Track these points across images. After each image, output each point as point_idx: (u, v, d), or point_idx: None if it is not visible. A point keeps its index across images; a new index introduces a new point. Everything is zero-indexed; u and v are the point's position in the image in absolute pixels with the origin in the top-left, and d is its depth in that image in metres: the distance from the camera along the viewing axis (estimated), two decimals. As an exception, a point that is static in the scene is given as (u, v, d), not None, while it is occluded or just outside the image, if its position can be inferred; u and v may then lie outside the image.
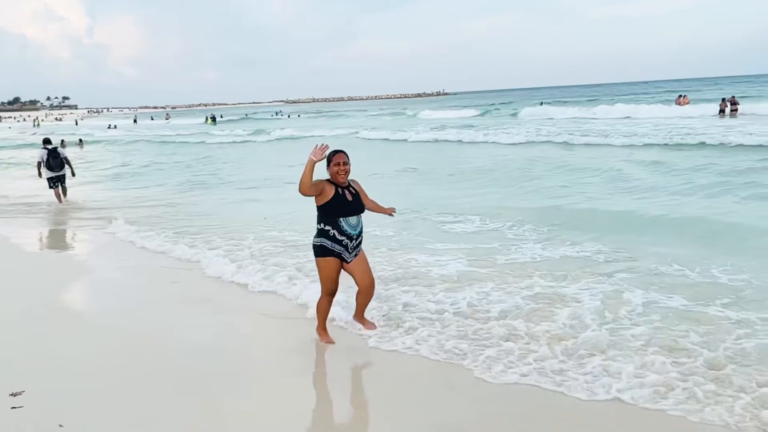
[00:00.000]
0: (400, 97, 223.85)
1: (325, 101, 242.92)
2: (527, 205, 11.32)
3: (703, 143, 19.26)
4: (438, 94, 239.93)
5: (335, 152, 4.88)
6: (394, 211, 5.33)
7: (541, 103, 56.11)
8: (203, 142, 36.31)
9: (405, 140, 29.28)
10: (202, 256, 8.26)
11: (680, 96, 40.73)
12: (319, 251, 4.90)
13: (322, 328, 5.24)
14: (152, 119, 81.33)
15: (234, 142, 35.83)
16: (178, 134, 44.68)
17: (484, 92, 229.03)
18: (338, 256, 4.90)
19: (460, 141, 26.87)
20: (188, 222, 10.98)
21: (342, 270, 5.03)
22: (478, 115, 50.97)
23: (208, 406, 4.19)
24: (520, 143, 23.96)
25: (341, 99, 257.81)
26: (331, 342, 5.18)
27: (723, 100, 34.50)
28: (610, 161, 16.94)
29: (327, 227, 4.85)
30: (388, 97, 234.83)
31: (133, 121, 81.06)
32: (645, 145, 20.29)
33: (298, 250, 8.13)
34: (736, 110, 32.69)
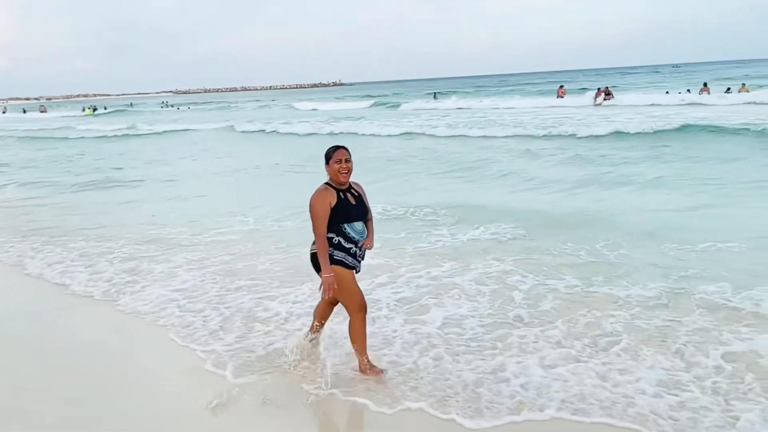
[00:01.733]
0: (296, 88, 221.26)
1: (218, 91, 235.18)
2: (420, 198, 11.50)
3: (573, 135, 19.96)
4: (335, 84, 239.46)
5: (336, 148, 4.29)
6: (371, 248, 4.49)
7: (435, 95, 57.34)
8: (82, 137, 33.78)
9: (285, 133, 28.49)
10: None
11: (560, 86, 43.08)
12: (333, 261, 4.22)
13: (366, 360, 4.44)
14: (24, 112, 74.91)
15: (106, 136, 32.99)
16: (41, 128, 40.99)
17: (382, 83, 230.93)
18: (343, 264, 4.23)
19: (341, 133, 26.43)
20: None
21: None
22: (369, 107, 51.08)
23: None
24: (397, 135, 24.09)
25: (234, 89, 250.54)
26: (381, 373, 4.46)
27: (598, 89, 36.97)
28: (489, 152, 17.64)
29: (330, 234, 4.22)
30: (283, 87, 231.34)
31: (1, 112, 74.25)
32: (524, 136, 20.88)
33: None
34: (609, 99, 35.05)
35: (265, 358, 4.87)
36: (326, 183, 4.27)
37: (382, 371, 4.46)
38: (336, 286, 4.14)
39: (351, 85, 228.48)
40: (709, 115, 22.33)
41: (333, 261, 4.18)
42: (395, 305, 5.86)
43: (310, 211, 4.16)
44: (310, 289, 6.23)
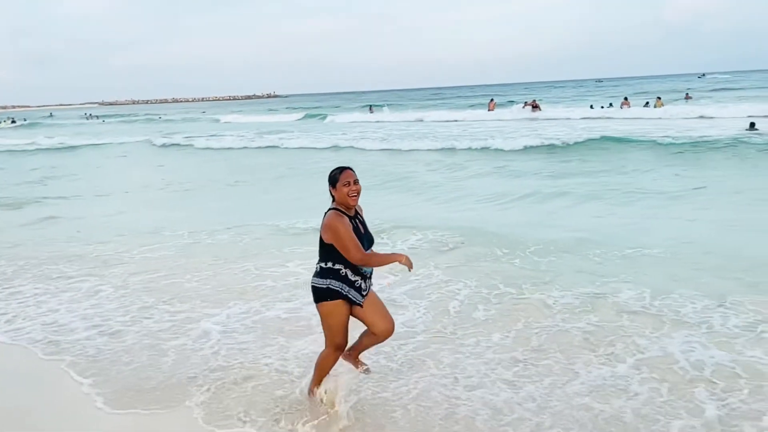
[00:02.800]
0: (229, 99, 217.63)
1: (147, 103, 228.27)
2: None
3: (501, 149, 20.32)
4: (269, 96, 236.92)
5: (341, 169, 3.90)
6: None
7: (370, 108, 57.69)
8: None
9: (201, 147, 27.86)
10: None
11: (491, 100, 44.33)
12: (326, 294, 3.91)
13: (315, 385, 4.26)
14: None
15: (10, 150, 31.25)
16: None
17: (319, 95, 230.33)
18: (347, 299, 3.96)
19: (261, 147, 26.32)
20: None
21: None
22: (301, 119, 50.73)
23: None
24: (325, 148, 24.20)
25: (165, 101, 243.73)
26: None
27: (525, 103, 38.33)
28: (418, 165, 18.01)
29: (338, 266, 3.87)
30: (216, 99, 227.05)
31: None
32: (454, 149, 21.17)
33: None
34: (537, 111, 36.31)
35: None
36: (334, 208, 3.88)
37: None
38: (408, 264, 3.89)
39: (286, 97, 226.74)
40: (630, 128, 23.48)
41: (328, 292, 3.88)
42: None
43: (336, 238, 3.76)
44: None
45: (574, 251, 7.78)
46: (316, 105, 78.48)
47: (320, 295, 3.92)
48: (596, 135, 20.51)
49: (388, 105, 62.69)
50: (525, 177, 14.81)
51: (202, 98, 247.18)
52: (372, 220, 9.75)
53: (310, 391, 4.26)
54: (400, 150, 21.96)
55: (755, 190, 11.85)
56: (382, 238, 8.71)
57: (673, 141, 18.55)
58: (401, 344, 5.19)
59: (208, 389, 4.55)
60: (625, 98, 38.53)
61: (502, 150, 19.83)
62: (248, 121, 50.96)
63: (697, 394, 4.20)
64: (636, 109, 34.46)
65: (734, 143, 17.44)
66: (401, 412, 4.15)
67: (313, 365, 4.26)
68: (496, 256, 7.65)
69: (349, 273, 3.89)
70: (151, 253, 8.52)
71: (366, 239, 3.92)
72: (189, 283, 7.11)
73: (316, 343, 5.01)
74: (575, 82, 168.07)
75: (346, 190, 3.83)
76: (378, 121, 39.74)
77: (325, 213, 3.90)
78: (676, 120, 27.65)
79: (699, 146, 17.43)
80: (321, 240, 3.90)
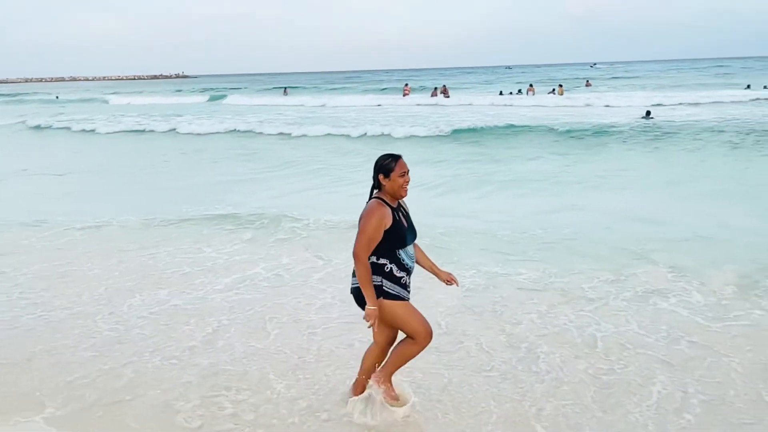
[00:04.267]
0: (134, 79, 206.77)
1: (41, 81, 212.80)
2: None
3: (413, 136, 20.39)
4: (177, 76, 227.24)
5: (395, 157, 3.59)
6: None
7: (285, 90, 56.66)
8: None
9: (77, 130, 26.25)
10: None
11: (406, 85, 44.65)
12: (379, 293, 3.56)
13: (387, 380, 3.86)
14: None
15: None
16: None
17: (231, 76, 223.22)
18: (398, 298, 3.61)
19: (147, 130, 25.01)
20: None
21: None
22: (206, 101, 48.84)
23: None
24: (221, 132, 23.33)
25: (62, 79, 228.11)
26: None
27: (435, 89, 39.03)
28: (319, 150, 17.84)
29: (382, 261, 3.57)
30: (119, 79, 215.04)
31: None
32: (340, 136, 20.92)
33: None
34: (446, 97, 37.03)
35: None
36: (378, 198, 3.59)
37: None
38: (378, 322, 3.53)
39: (196, 77, 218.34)
40: (535, 114, 24.50)
41: (384, 294, 3.55)
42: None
43: (363, 229, 3.46)
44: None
45: (479, 235, 8.07)
46: (225, 86, 76.00)
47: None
48: (504, 121, 21.21)
49: (304, 87, 62.00)
50: (428, 165, 14.84)
51: (104, 77, 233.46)
52: (262, 208, 9.90)
53: (379, 381, 3.82)
54: (306, 135, 21.43)
55: (649, 176, 12.72)
56: (281, 227, 8.68)
57: (572, 128, 19.51)
58: (313, 333, 5.23)
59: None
60: (530, 85, 40.09)
61: (401, 137, 19.69)
62: (148, 102, 48.63)
63: (589, 368, 4.48)
64: (541, 96, 35.99)
65: (631, 130, 18.56)
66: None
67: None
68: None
69: (393, 269, 3.58)
70: (43, 243, 8.06)
71: (409, 233, 3.64)
72: (92, 271, 6.85)
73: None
74: (486, 68, 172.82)
75: (401, 180, 3.55)
76: (289, 105, 39.13)
77: (367, 202, 3.63)
78: (579, 108, 29.02)
79: (598, 133, 18.32)
80: None
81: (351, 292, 3.69)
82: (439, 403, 4.07)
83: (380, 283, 3.56)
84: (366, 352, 3.91)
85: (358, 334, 5.02)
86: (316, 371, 4.49)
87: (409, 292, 3.67)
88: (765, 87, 37.78)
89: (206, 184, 12.84)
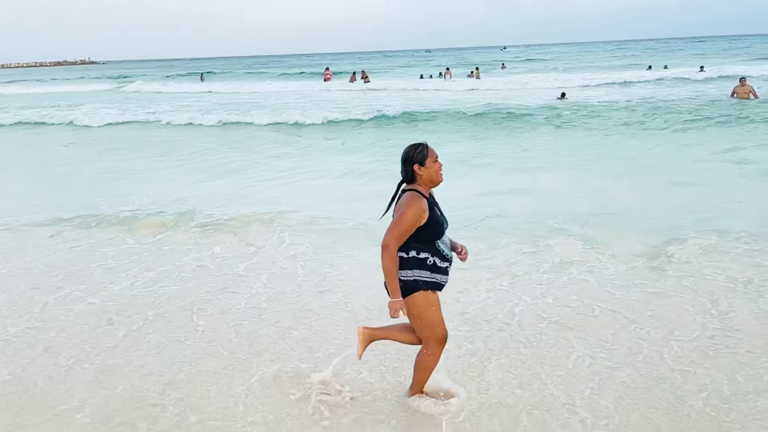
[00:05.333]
0: (35, 66, 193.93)
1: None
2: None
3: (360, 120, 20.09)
4: (83, 62, 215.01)
5: (424, 145, 3.56)
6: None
7: (202, 76, 54.87)
8: None
9: None
10: None
11: (326, 69, 44.24)
12: (413, 286, 3.49)
13: (419, 390, 3.87)
14: None
15: None
16: None
17: (142, 62, 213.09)
18: (437, 286, 3.57)
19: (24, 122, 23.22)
20: None
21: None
22: (110, 89, 46.30)
23: None
24: (119, 123, 22.01)
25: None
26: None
27: (354, 73, 38.97)
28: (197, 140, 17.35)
29: (424, 254, 3.50)
30: (19, 66, 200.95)
31: None
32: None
33: None
34: (367, 81, 37.04)
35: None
36: (414, 190, 3.52)
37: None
38: (406, 313, 3.51)
39: (103, 63, 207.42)
40: (457, 98, 24.95)
41: (427, 284, 3.50)
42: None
43: (400, 222, 3.39)
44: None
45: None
46: (135, 72, 72.55)
47: (406, 289, 3.49)
48: (423, 106, 21.46)
49: (222, 73, 60.24)
50: (350, 152, 14.73)
51: (2, 65, 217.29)
52: (180, 200, 9.63)
53: (413, 394, 3.87)
54: (223, 123, 20.70)
55: (563, 156, 13.26)
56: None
57: (490, 110, 20.04)
58: (242, 324, 5.18)
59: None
60: (447, 68, 40.77)
61: (319, 123, 19.36)
62: (49, 91, 45.43)
63: (510, 342, 4.67)
64: (460, 79, 36.71)
65: (547, 112, 19.25)
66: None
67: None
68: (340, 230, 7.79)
69: (437, 261, 3.52)
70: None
71: (445, 223, 3.62)
72: (4, 269, 6.48)
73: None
74: (406, 52, 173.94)
75: (437, 166, 3.55)
76: (206, 92, 37.91)
77: (401, 194, 3.58)
78: (496, 91, 29.77)
79: (514, 116, 18.85)
80: None
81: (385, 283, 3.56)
82: (376, 383, 4.14)
83: (431, 279, 3.50)
84: (399, 331, 3.84)
85: (293, 323, 5.03)
86: (249, 366, 4.41)
87: (446, 279, 3.61)
88: (665, 67, 40.14)
89: (112, 178, 12.11)
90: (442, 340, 3.65)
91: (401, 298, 3.45)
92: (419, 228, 3.45)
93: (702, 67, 34.19)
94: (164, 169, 13.06)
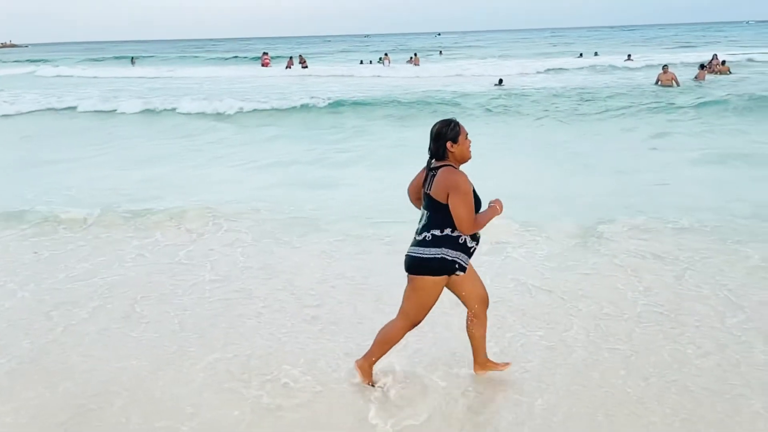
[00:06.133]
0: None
1: None
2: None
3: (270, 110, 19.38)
4: (3, 45, 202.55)
5: (456, 121, 3.55)
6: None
7: (132, 60, 52.72)
8: None
9: None
10: None
11: (264, 54, 43.28)
12: (435, 265, 3.49)
13: (374, 360, 3.85)
14: None
15: None
16: None
17: (68, 44, 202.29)
18: (456, 269, 3.54)
19: None
20: None
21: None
22: (26, 73, 43.14)
23: None
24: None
25: None
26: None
27: (290, 58, 38.42)
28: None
29: (457, 232, 3.47)
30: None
31: None
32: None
33: None
34: (305, 67, 36.54)
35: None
36: (450, 165, 3.53)
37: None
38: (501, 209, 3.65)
39: (26, 46, 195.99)
40: (398, 84, 24.90)
41: (439, 264, 3.49)
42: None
43: (463, 200, 3.40)
44: None
45: (350, 205, 8.17)
46: (58, 56, 68.73)
47: (427, 267, 3.50)
48: (362, 93, 21.35)
49: (154, 57, 58.11)
50: (297, 140, 14.36)
51: None
52: (117, 189, 9.25)
53: (362, 367, 3.84)
54: (159, 110, 19.49)
55: (500, 142, 13.49)
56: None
57: (431, 97, 20.16)
58: (188, 310, 5.08)
59: None
60: (386, 54, 40.73)
61: (251, 111, 18.57)
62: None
63: (451, 325, 4.69)
64: (400, 65, 36.80)
65: (486, 98, 19.54)
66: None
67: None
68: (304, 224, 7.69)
69: (468, 239, 3.53)
70: None
71: (480, 200, 3.61)
72: None
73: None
74: (345, 36, 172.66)
75: (468, 143, 3.55)
76: (137, 77, 36.36)
77: (433, 170, 3.55)
78: (436, 78, 29.88)
79: (453, 103, 18.95)
80: (435, 202, 3.49)
81: (410, 260, 3.57)
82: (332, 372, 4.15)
83: (440, 255, 3.48)
84: (468, 329, 3.86)
85: (238, 310, 5.00)
86: (196, 358, 4.30)
87: (470, 259, 3.63)
88: (596, 54, 41.43)
89: (33, 168, 11.44)
90: (416, 324, 3.73)
91: (495, 202, 3.62)
92: None
93: (629, 56, 35.47)
94: (90, 158, 12.49)
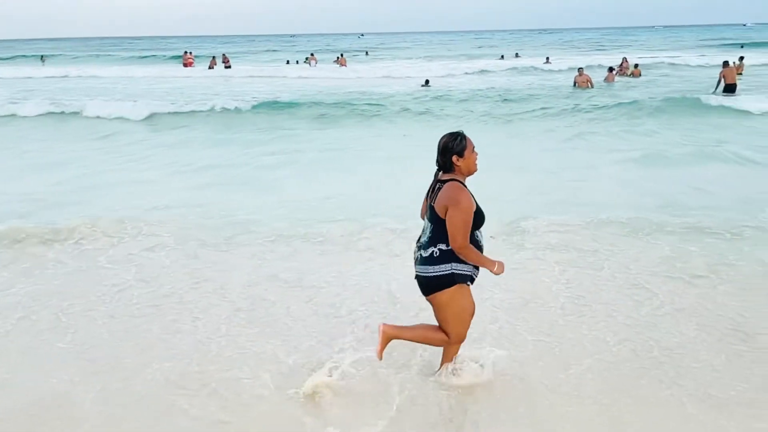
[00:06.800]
0: None
1: None
2: None
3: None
4: None
5: (462, 135, 3.50)
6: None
7: (42, 58, 49.90)
8: None
9: None
10: None
11: (187, 53, 42.02)
12: (449, 279, 3.48)
13: (399, 337, 3.79)
14: None
15: None
16: None
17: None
18: (465, 281, 3.56)
19: None
20: None
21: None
22: None
23: None
24: None
25: None
26: None
27: (213, 58, 37.64)
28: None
29: None
30: None
31: None
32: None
33: None
34: (229, 67, 35.78)
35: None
36: (457, 180, 3.49)
37: None
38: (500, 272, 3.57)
39: None
40: (325, 85, 24.74)
41: (459, 278, 3.50)
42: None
43: (461, 216, 3.37)
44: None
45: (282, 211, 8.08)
46: None
47: (442, 282, 3.49)
48: (288, 95, 21.04)
49: (64, 55, 55.25)
50: (218, 144, 13.86)
51: None
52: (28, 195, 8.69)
53: (386, 332, 3.75)
54: (64, 113, 18.17)
55: (421, 142, 13.59)
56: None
57: (355, 98, 20.18)
58: (115, 317, 4.87)
59: None
60: (312, 54, 40.52)
61: (171, 113, 17.80)
62: None
63: (382, 319, 4.81)
64: (327, 66, 36.66)
65: (412, 100, 19.74)
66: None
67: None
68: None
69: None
70: None
71: (483, 212, 3.57)
72: None
73: None
74: (270, 36, 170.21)
75: (474, 156, 3.51)
76: (48, 77, 34.45)
77: (440, 184, 3.52)
78: (366, 79, 29.91)
79: (378, 105, 18.72)
80: (437, 216, 3.46)
81: (423, 281, 3.56)
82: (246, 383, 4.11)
83: (450, 271, 3.49)
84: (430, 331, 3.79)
85: (170, 315, 4.89)
86: (130, 369, 4.14)
87: (477, 272, 3.63)
88: (517, 55, 42.86)
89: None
90: (461, 340, 3.74)
91: (498, 262, 3.53)
92: None
93: (548, 58, 36.90)
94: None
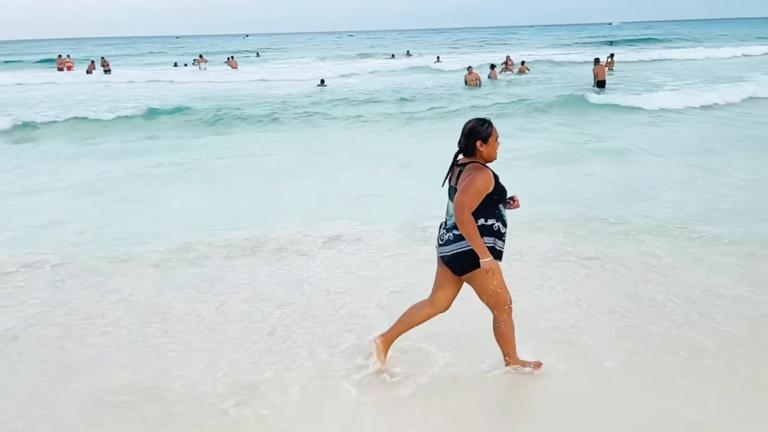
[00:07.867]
0: None
1: None
2: None
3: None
4: None
5: (489, 121, 3.66)
6: None
7: None
8: None
9: None
10: None
11: (63, 57, 38.98)
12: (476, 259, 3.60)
13: (513, 356, 3.95)
14: None
15: None
16: None
17: None
18: (499, 255, 3.72)
19: None
20: None
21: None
22: None
23: None
24: None
25: None
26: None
27: (92, 62, 35.55)
28: None
29: (491, 221, 3.62)
30: None
31: None
32: None
33: None
34: (108, 71, 33.84)
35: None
36: (479, 162, 3.62)
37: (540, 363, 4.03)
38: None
39: None
40: (213, 89, 23.98)
41: (495, 253, 3.63)
42: None
43: (473, 191, 3.50)
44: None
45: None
46: None
47: (469, 262, 3.61)
48: (176, 101, 19.78)
49: None
50: (109, 157, 12.61)
51: None
52: None
53: (511, 363, 3.94)
54: None
55: (315, 145, 13.53)
56: None
57: (248, 103, 19.76)
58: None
59: None
60: (200, 56, 39.22)
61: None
62: None
63: (305, 317, 4.82)
64: (218, 68, 35.77)
65: (309, 102, 19.52)
66: None
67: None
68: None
69: (500, 226, 3.67)
70: None
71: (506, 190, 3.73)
72: None
73: None
74: (156, 38, 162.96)
75: (497, 145, 3.67)
76: None
77: (461, 166, 3.66)
78: (259, 81, 29.26)
79: (273, 111, 18.04)
80: None
81: (449, 259, 3.68)
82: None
83: (493, 244, 3.62)
84: (413, 310, 3.94)
85: (77, 332, 4.64)
86: (56, 393, 3.89)
87: (504, 246, 3.75)
88: (408, 53, 43.80)
89: None
90: (509, 304, 3.80)
91: (491, 257, 3.57)
92: (487, 195, 3.56)
93: (438, 57, 38.00)
94: None
